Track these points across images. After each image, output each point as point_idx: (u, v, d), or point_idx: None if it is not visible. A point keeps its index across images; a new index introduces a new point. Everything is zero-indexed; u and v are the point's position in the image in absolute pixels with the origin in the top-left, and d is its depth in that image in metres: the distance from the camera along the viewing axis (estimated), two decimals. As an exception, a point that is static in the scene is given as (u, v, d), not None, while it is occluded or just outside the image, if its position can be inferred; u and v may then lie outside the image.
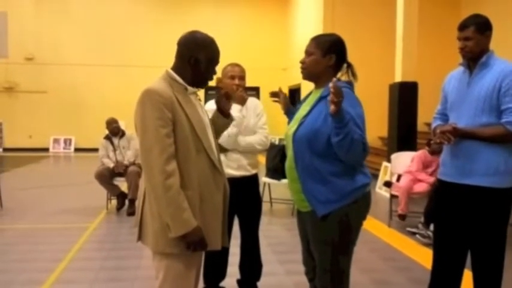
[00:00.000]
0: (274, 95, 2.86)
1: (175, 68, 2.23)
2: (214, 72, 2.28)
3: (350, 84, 2.43)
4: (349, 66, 2.50)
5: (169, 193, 2.01)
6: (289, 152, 2.45)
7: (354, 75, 2.48)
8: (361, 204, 2.36)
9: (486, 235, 2.69)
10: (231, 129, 3.04)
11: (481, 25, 2.67)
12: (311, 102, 2.44)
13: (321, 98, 2.36)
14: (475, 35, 2.65)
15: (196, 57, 2.18)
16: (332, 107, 2.11)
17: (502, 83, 2.58)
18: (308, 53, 2.44)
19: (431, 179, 5.53)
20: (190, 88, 2.23)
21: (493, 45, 2.74)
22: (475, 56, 2.68)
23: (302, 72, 2.48)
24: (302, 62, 2.47)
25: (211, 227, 2.18)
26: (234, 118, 2.58)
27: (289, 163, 2.45)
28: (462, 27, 2.69)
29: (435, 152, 5.70)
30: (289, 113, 2.73)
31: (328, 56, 2.40)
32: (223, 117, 2.50)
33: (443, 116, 2.93)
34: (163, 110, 2.05)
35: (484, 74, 2.66)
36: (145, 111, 2.06)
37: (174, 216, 2.03)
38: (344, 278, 2.41)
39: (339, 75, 2.48)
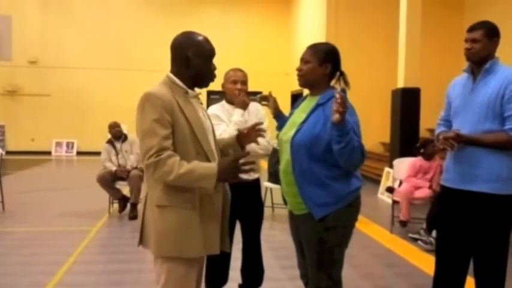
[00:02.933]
0: (263, 98, 2.92)
1: (174, 72, 2.24)
2: (213, 68, 2.26)
3: (344, 92, 2.48)
4: (342, 74, 2.57)
5: (173, 174, 2.01)
6: (285, 156, 2.49)
7: (346, 83, 2.55)
8: (355, 206, 2.47)
9: (489, 242, 2.68)
10: (233, 134, 3.04)
11: (490, 30, 2.69)
12: (306, 109, 2.50)
13: (318, 106, 2.44)
14: (483, 38, 2.67)
15: (186, 56, 2.18)
16: (336, 116, 2.17)
17: (505, 89, 2.59)
18: (304, 60, 2.52)
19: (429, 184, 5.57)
20: (191, 92, 2.23)
21: (497, 49, 2.75)
22: (480, 59, 2.69)
23: (299, 80, 2.56)
24: (299, 70, 2.54)
25: (210, 231, 2.18)
26: (249, 153, 2.58)
27: (284, 167, 2.50)
28: (471, 29, 2.72)
29: (430, 155, 5.70)
30: (278, 117, 2.79)
31: (324, 64, 2.49)
32: (239, 147, 2.48)
33: (447, 122, 2.94)
34: (162, 113, 2.06)
35: (488, 80, 2.67)
36: (145, 114, 2.08)
37: (194, 181, 2.05)
38: (337, 279, 2.46)
39: (332, 82, 2.56)
